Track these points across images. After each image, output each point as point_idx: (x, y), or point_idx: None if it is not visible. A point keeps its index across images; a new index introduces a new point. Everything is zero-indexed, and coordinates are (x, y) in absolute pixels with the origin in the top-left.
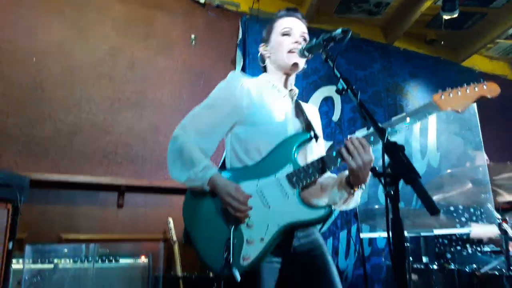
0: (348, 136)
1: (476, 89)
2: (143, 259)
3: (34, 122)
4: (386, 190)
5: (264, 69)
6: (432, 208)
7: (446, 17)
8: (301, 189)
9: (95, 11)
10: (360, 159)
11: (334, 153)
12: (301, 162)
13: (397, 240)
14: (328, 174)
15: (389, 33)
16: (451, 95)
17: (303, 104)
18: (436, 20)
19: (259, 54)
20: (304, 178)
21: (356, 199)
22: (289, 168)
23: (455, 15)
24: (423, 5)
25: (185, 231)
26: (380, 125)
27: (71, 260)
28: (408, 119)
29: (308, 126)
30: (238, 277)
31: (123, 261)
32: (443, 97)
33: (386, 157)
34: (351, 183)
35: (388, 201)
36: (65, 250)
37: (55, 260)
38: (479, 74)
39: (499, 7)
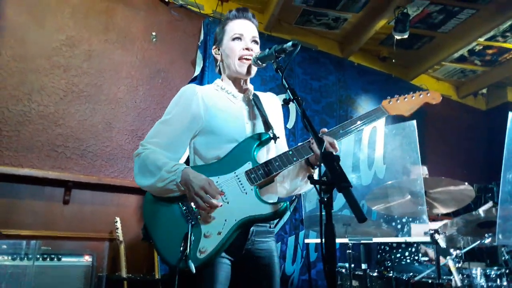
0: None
1: (421, 96)
2: (86, 258)
3: None
4: (320, 196)
5: (220, 72)
6: (360, 216)
7: (397, 37)
8: (259, 186)
9: None
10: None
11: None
12: (261, 160)
13: (328, 243)
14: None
15: (345, 48)
16: (398, 101)
17: (261, 97)
18: (389, 38)
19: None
20: (262, 175)
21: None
22: (248, 166)
23: (406, 36)
24: (377, 24)
25: (144, 227)
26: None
27: (10, 257)
28: (358, 122)
29: (267, 126)
30: (193, 269)
31: (65, 259)
32: (391, 102)
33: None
34: (313, 163)
35: (322, 207)
36: (4, 246)
37: None
38: None
39: (446, 32)
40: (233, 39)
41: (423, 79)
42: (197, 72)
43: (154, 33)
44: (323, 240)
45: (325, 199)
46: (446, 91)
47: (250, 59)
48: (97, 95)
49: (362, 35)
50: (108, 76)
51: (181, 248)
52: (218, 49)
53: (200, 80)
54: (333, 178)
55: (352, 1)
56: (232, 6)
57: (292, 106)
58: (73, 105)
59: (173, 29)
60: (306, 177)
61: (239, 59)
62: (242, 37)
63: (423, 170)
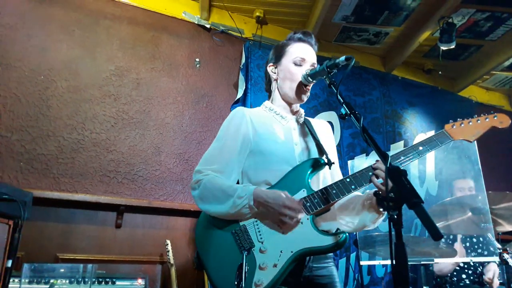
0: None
1: (487, 119)
2: (139, 282)
3: (38, 139)
4: (389, 214)
5: (268, 91)
6: (436, 233)
7: (443, 48)
8: (315, 215)
9: (103, 32)
10: None
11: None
12: (315, 187)
13: (401, 264)
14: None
15: (388, 62)
16: (462, 125)
17: (313, 122)
18: (433, 50)
19: (264, 72)
20: (318, 204)
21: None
22: (303, 193)
23: (452, 47)
24: (421, 36)
25: (197, 255)
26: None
27: (68, 281)
28: (420, 148)
29: (320, 150)
30: None
31: (119, 283)
32: (454, 126)
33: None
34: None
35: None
36: (62, 270)
37: (52, 280)
38: (476, 104)
39: (494, 39)
40: (295, 64)
41: (472, 90)
42: (240, 94)
43: (197, 59)
44: (394, 260)
45: (395, 217)
46: (498, 101)
47: (307, 91)
48: (145, 121)
49: (405, 49)
50: (155, 103)
51: (236, 281)
52: (276, 67)
53: (243, 102)
54: (402, 194)
55: (393, 15)
56: (272, 28)
57: (336, 124)
58: (123, 131)
59: (215, 54)
60: (376, 217)
61: (300, 85)
62: (303, 62)
63: (470, 184)
